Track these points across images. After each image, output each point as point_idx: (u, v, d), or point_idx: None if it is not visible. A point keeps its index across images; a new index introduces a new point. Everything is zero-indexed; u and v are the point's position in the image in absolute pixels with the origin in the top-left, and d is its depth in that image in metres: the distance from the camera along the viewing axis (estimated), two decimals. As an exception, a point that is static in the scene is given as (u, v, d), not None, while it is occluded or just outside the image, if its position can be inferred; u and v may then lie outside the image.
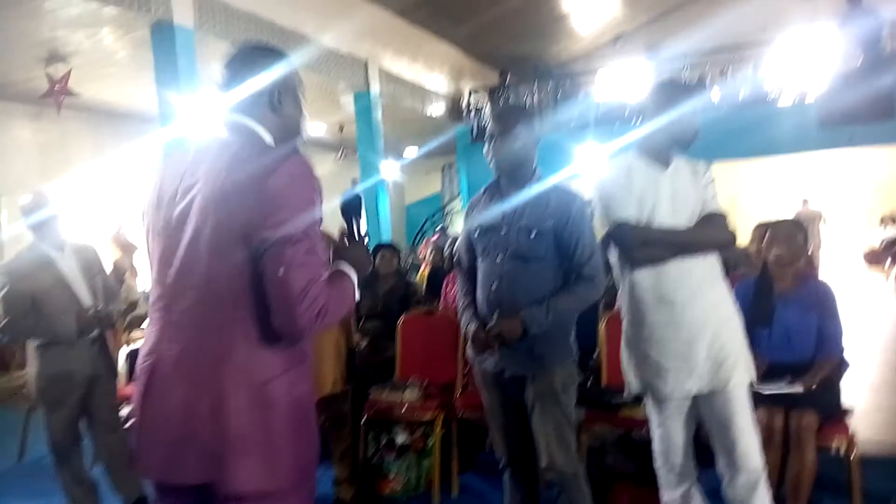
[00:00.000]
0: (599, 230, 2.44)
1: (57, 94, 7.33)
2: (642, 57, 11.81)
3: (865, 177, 13.71)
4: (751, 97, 10.43)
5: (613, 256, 2.47)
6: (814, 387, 2.81)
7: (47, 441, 3.33)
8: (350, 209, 1.77)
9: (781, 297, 2.99)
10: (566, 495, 2.42)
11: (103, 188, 9.46)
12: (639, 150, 2.40)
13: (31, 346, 3.27)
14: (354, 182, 10.76)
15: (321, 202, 1.53)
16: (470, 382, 3.82)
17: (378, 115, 10.13)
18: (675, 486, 2.53)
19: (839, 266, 11.66)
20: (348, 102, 10.26)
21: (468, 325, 2.51)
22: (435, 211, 15.81)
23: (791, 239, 3.02)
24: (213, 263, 1.49)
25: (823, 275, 4.81)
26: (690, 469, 2.53)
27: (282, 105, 1.65)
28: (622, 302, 2.49)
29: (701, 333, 2.31)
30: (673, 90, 2.37)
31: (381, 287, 4.69)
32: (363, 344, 4.25)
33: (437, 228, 11.79)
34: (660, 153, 2.37)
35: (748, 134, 9.84)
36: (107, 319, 3.33)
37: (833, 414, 2.89)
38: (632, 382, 2.48)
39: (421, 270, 7.64)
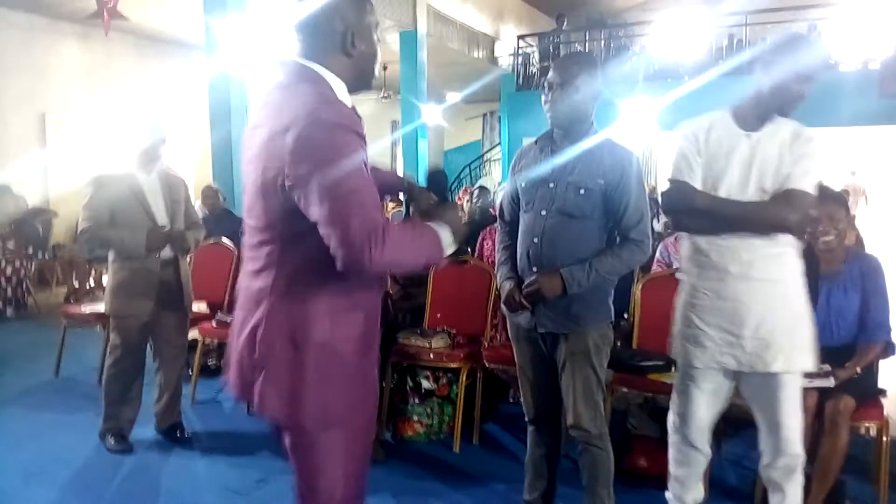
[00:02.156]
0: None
1: (106, 15, 7.31)
2: (700, 7, 11.35)
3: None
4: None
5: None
6: (854, 375, 2.72)
7: (109, 352, 3.41)
8: (437, 182, 1.77)
9: (826, 278, 2.83)
10: (590, 454, 2.41)
11: (146, 112, 9.51)
12: (730, 108, 2.28)
13: (109, 259, 3.39)
14: (395, 124, 10.65)
15: (357, 143, 1.43)
16: (498, 335, 3.82)
17: (423, 55, 9.95)
18: (682, 464, 2.46)
19: (886, 243, 11.30)
20: (394, 41, 10.09)
21: (503, 282, 2.47)
22: (474, 159, 15.65)
23: (835, 219, 2.81)
24: (262, 207, 1.52)
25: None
26: (704, 448, 2.42)
27: (355, 47, 1.54)
28: (683, 260, 2.42)
29: (749, 311, 2.22)
30: (777, 49, 2.17)
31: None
32: (395, 289, 4.25)
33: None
34: (747, 115, 2.24)
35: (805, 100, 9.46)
36: (179, 240, 3.40)
37: (868, 396, 2.80)
38: (673, 344, 2.42)
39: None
